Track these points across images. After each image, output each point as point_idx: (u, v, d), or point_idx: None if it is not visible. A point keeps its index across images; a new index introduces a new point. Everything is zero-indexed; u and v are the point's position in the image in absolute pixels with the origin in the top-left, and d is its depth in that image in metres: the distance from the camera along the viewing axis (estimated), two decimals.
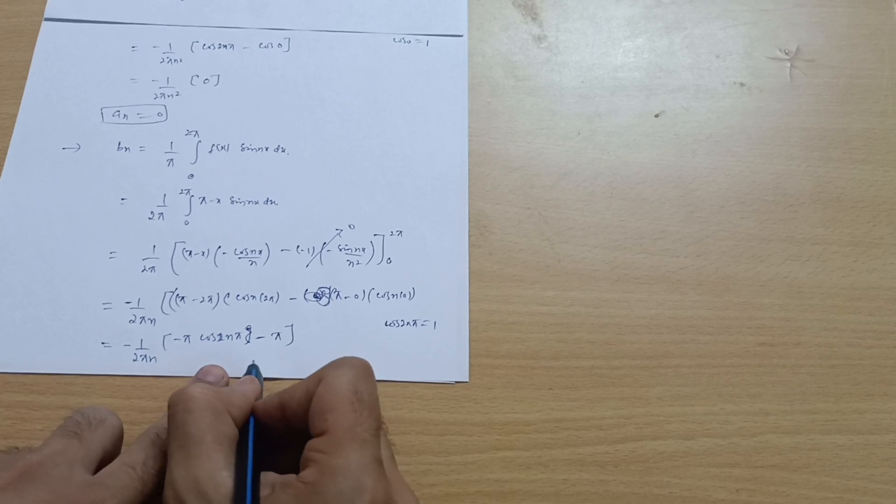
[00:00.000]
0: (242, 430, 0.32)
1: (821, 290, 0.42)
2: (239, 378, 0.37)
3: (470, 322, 0.41)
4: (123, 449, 0.35)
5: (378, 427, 0.30)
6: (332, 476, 0.28)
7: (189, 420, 0.30)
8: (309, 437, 0.30)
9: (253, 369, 0.38)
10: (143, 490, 0.32)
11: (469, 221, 0.43)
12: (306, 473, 0.28)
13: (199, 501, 0.28)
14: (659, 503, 0.37)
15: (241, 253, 0.42)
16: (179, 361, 0.39)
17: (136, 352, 0.39)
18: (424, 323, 0.41)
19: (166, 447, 0.33)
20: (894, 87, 0.48)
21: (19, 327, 0.40)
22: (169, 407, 0.31)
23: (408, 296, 0.41)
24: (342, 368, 0.31)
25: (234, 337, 0.40)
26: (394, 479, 0.30)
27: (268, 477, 0.29)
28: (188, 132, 0.45)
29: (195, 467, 0.29)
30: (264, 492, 0.28)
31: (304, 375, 0.39)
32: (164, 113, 0.45)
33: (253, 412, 0.33)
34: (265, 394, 0.36)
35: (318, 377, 0.31)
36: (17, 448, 0.36)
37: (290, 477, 0.29)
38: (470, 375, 0.40)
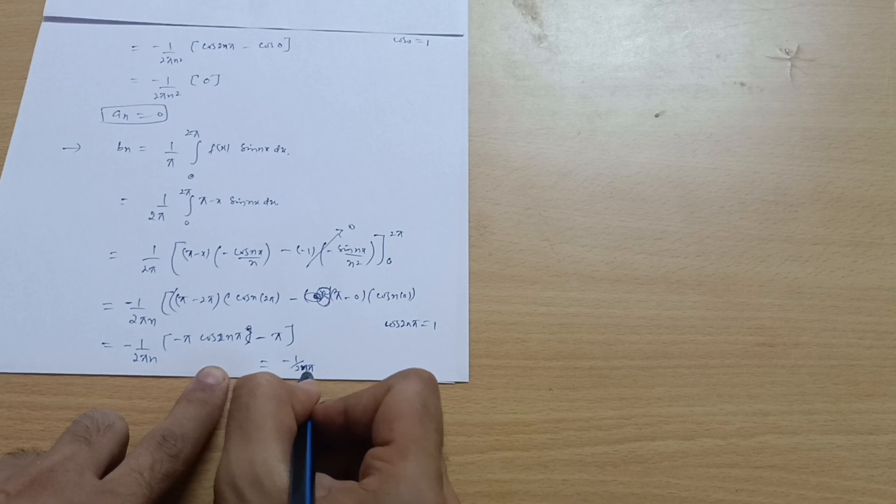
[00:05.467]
0: (301, 428, 0.32)
1: (821, 290, 0.42)
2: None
3: (470, 322, 0.41)
4: (129, 451, 0.35)
5: (441, 441, 0.30)
6: (395, 486, 0.27)
7: (253, 405, 0.30)
8: (365, 444, 0.30)
9: (309, 375, 0.38)
10: (151, 496, 0.32)
11: (469, 221, 0.43)
12: (369, 481, 0.28)
13: (252, 486, 0.28)
14: (658, 503, 0.37)
15: (242, 253, 0.42)
16: (180, 362, 0.39)
17: (137, 352, 0.39)
18: (424, 323, 0.41)
19: (169, 453, 0.33)
20: (895, 87, 0.48)
21: (20, 327, 0.40)
22: (234, 389, 0.32)
23: (408, 296, 0.41)
24: (411, 379, 0.31)
25: (235, 337, 0.40)
26: (449, 495, 0.30)
27: (323, 479, 0.29)
28: (188, 132, 0.45)
29: (253, 452, 0.29)
30: (319, 492, 0.28)
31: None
32: (164, 113, 0.45)
33: (313, 414, 0.33)
34: None
35: (387, 386, 0.31)
36: (23, 450, 0.36)
37: (351, 483, 0.29)
38: (470, 376, 0.40)
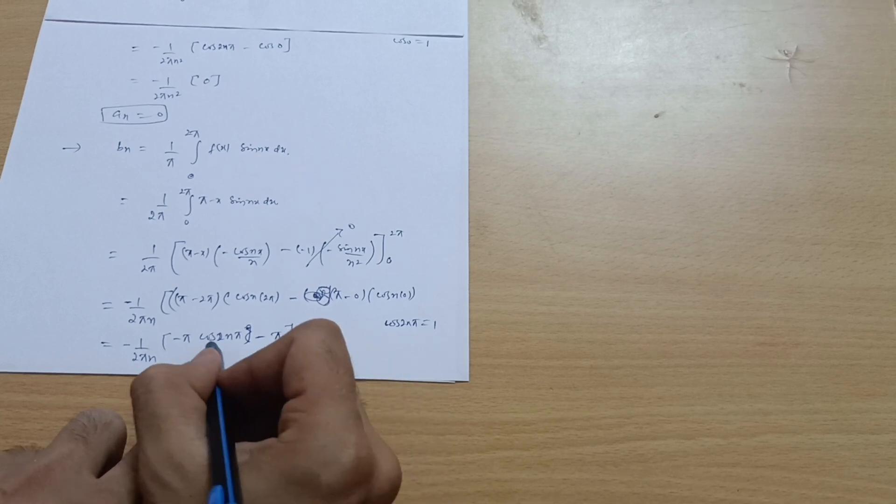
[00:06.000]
0: (210, 401, 0.31)
1: (821, 290, 0.42)
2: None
3: (470, 322, 0.41)
4: (126, 451, 0.35)
5: (353, 383, 0.30)
6: (313, 433, 0.27)
7: (151, 400, 0.30)
8: (279, 403, 0.30)
9: (211, 345, 0.38)
10: None
11: (469, 221, 0.43)
12: (286, 434, 0.28)
13: (175, 473, 0.27)
14: (659, 503, 0.37)
15: (241, 252, 0.42)
16: (179, 361, 0.39)
17: (136, 351, 0.39)
18: (424, 322, 0.41)
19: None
20: (894, 88, 0.48)
21: (20, 327, 0.40)
22: (131, 393, 0.31)
23: (408, 295, 0.41)
24: (311, 329, 0.31)
25: (234, 336, 0.40)
26: (371, 435, 0.30)
27: (243, 445, 0.29)
28: (188, 132, 0.45)
29: (166, 442, 0.28)
30: (241, 458, 0.28)
31: None
32: (164, 113, 0.45)
33: (219, 382, 0.32)
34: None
35: (289, 339, 0.31)
36: (21, 448, 0.36)
37: (270, 440, 0.28)
38: (470, 375, 0.40)
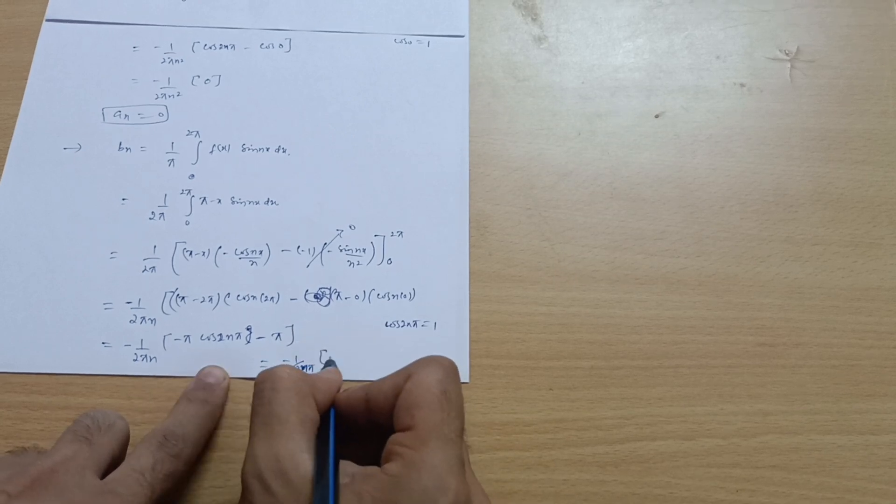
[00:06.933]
0: (323, 417, 0.32)
1: (821, 290, 0.42)
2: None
3: (470, 322, 0.41)
4: (129, 451, 0.35)
5: (462, 428, 0.30)
6: (416, 471, 0.28)
7: (275, 399, 0.30)
8: (388, 432, 0.30)
9: (332, 364, 0.38)
10: (152, 496, 0.32)
11: (469, 222, 0.43)
12: (390, 466, 0.28)
13: (278, 478, 0.28)
14: (659, 503, 0.37)
15: (242, 253, 0.42)
16: (180, 361, 0.39)
17: (137, 352, 0.39)
18: (425, 323, 0.41)
19: (170, 453, 0.33)
20: (894, 88, 0.48)
21: (20, 328, 0.40)
22: (255, 384, 0.31)
23: (408, 296, 0.41)
24: (431, 367, 0.31)
25: (235, 337, 0.40)
26: (471, 481, 0.30)
27: (347, 467, 0.30)
28: (189, 132, 0.45)
29: (278, 445, 0.29)
30: (343, 480, 0.29)
31: None
32: (165, 113, 0.45)
33: (335, 402, 0.33)
34: None
35: (407, 373, 0.31)
36: (24, 448, 0.36)
37: (373, 468, 0.29)
38: (470, 376, 0.40)
